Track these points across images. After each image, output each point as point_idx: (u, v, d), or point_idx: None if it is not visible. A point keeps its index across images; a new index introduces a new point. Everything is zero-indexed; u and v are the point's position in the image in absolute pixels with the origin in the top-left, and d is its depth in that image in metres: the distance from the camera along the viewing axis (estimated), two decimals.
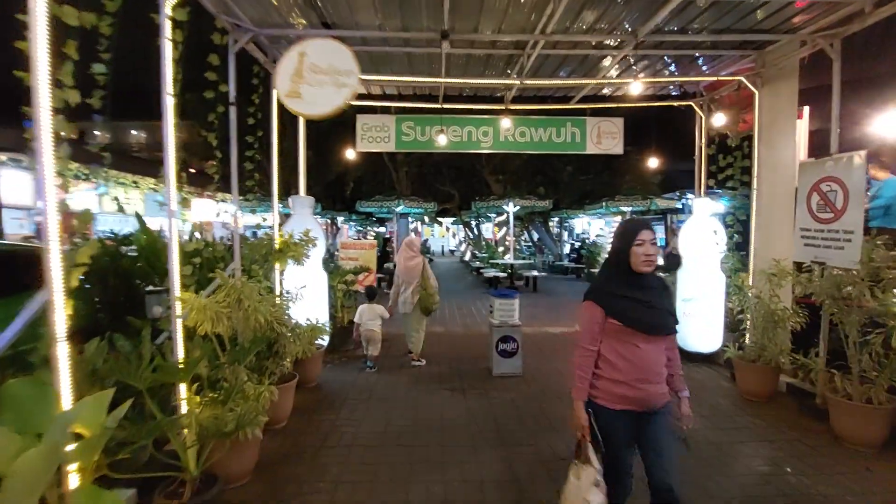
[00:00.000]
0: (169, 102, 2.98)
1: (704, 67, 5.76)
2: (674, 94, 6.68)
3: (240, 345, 3.26)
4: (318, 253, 5.81)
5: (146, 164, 22.09)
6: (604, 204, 13.10)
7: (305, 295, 5.35)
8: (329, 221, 20.70)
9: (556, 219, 21.27)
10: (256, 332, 3.55)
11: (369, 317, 5.97)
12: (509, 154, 15.27)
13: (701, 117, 6.30)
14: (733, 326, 6.09)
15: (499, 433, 4.04)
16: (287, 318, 3.96)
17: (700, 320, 6.05)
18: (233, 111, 3.96)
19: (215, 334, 3.19)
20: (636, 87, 4.93)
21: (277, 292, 5.15)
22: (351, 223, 28.03)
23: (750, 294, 5.14)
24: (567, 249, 21.43)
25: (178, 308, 3.00)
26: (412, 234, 25.02)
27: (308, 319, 5.01)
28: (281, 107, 5.44)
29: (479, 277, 16.68)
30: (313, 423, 4.21)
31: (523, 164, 15.87)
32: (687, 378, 5.48)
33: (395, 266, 12.76)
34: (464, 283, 15.43)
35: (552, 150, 6.37)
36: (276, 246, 5.00)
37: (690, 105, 6.27)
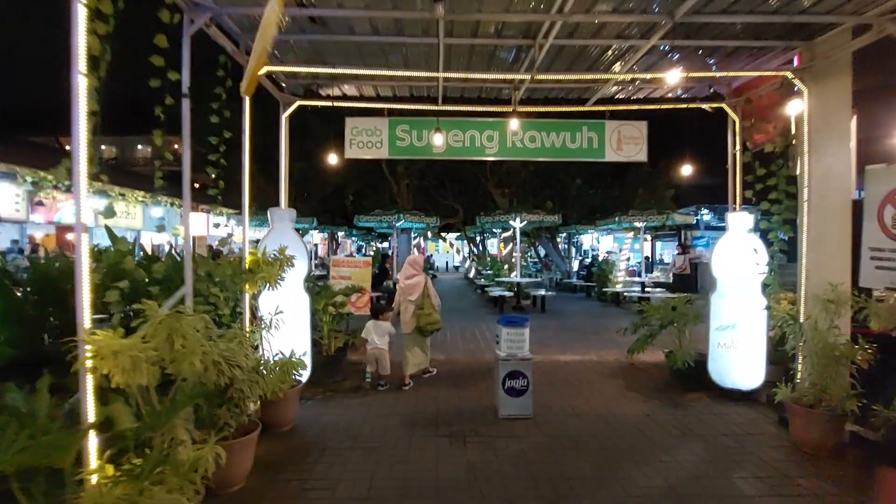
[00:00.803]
0: (81, 83, 2.30)
1: (739, 63, 5.06)
2: (690, 96, 5.99)
3: (166, 398, 2.51)
4: (298, 273, 5.09)
5: (145, 179, 21.74)
6: (616, 219, 12.35)
7: (283, 321, 4.64)
8: (329, 236, 20.07)
9: (564, 234, 20.52)
10: (202, 378, 2.81)
11: (377, 334, 5.66)
12: (515, 166, 14.60)
13: (734, 121, 5.58)
14: (774, 358, 5.31)
15: (508, 501, 3.24)
16: (246, 357, 3.21)
17: (739, 352, 5.26)
18: (186, 105, 3.28)
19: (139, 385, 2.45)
20: (673, 76, 4.22)
21: (247, 320, 4.42)
22: (353, 238, 27.43)
23: (804, 325, 4.35)
24: (576, 266, 20.63)
25: (87, 352, 2.27)
26: (415, 252, 24.31)
27: (280, 353, 4.27)
28: (256, 105, 4.78)
29: (483, 296, 15.91)
30: (278, 484, 3.43)
31: (530, 177, 15.20)
32: (727, 422, 4.63)
33: (394, 284, 12.03)
34: (467, 302, 14.63)
35: (566, 158, 5.67)
36: (246, 265, 4.29)
37: (722, 108, 5.55)
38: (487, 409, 4.97)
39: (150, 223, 20.14)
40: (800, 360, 4.56)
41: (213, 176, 4.01)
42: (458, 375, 6.30)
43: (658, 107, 5.72)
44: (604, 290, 13.97)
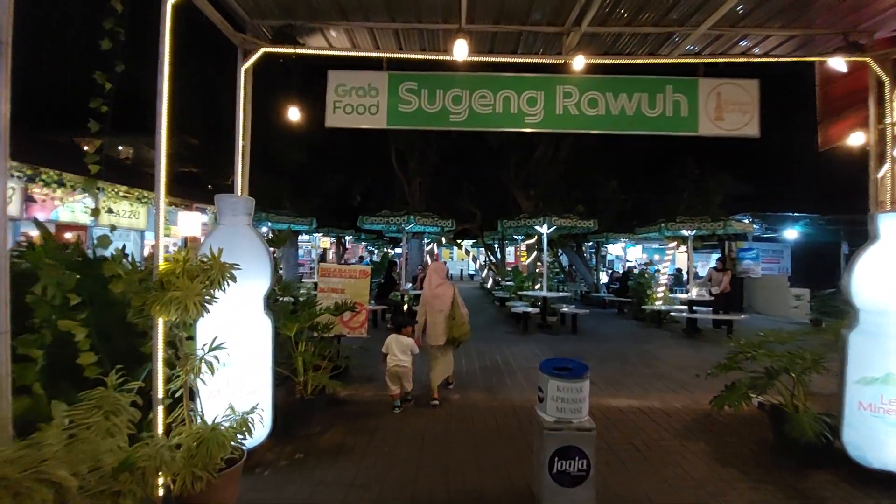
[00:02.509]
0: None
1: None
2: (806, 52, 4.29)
3: None
4: (254, 290, 3.57)
5: (147, 177, 20.76)
6: (661, 226, 10.59)
7: (224, 361, 3.13)
8: (336, 240, 18.61)
9: (590, 243, 18.75)
10: None
11: (399, 350, 5.12)
12: (542, 162, 12.96)
13: (881, 82, 3.89)
14: None
15: None
16: (94, 451, 1.67)
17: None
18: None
19: None
20: None
21: (159, 362, 2.88)
22: (363, 243, 25.97)
23: None
24: (603, 278, 18.80)
25: None
26: (428, 260, 22.64)
27: (199, 421, 2.73)
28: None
29: (502, 309, 14.27)
30: None
31: (558, 177, 13.51)
32: None
33: (402, 296, 10.47)
34: (485, 317, 12.97)
35: (642, 130, 4.02)
36: (156, 278, 2.76)
37: (865, 62, 3.87)
38: (524, 497, 3.35)
39: (153, 224, 19.01)
40: None
41: (93, 131, 2.48)
42: (476, 427, 4.68)
43: (766, 59, 4.05)
44: (642, 307, 12.18)
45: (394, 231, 12.61)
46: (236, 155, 3.77)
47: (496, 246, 21.77)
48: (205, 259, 2.86)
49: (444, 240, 21.63)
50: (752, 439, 4.51)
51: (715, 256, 19.00)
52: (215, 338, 3.12)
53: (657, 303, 12.24)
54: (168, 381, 2.95)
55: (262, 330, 3.74)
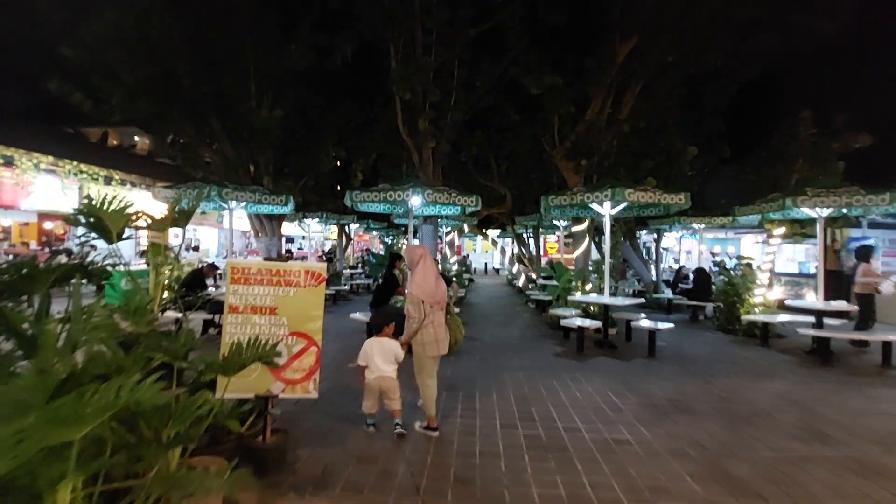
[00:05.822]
0: None
1: None
2: None
3: None
4: None
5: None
6: (783, 202, 7.25)
7: None
8: (338, 228, 15.71)
9: (646, 230, 15.33)
10: None
11: (381, 359, 3.85)
12: (596, 125, 9.74)
13: None
14: None
15: None
16: None
17: None
18: None
19: None
20: None
21: None
22: (375, 231, 23.03)
23: None
24: (666, 274, 15.41)
25: None
26: (447, 251, 19.49)
27: None
28: None
29: (538, 314, 11.21)
30: None
31: (620, 145, 10.22)
32: None
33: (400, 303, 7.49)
34: (519, 326, 9.88)
35: None
36: None
37: None
38: None
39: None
40: None
41: None
42: None
43: None
44: (737, 316, 8.91)
45: (400, 214, 9.66)
46: None
47: (527, 235, 18.46)
48: None
49: (465, 227, 18.48)
50: None
51: (802, 248, 15.37)
52: None
53: (755, 310, 8.96)
54: None
55: None
